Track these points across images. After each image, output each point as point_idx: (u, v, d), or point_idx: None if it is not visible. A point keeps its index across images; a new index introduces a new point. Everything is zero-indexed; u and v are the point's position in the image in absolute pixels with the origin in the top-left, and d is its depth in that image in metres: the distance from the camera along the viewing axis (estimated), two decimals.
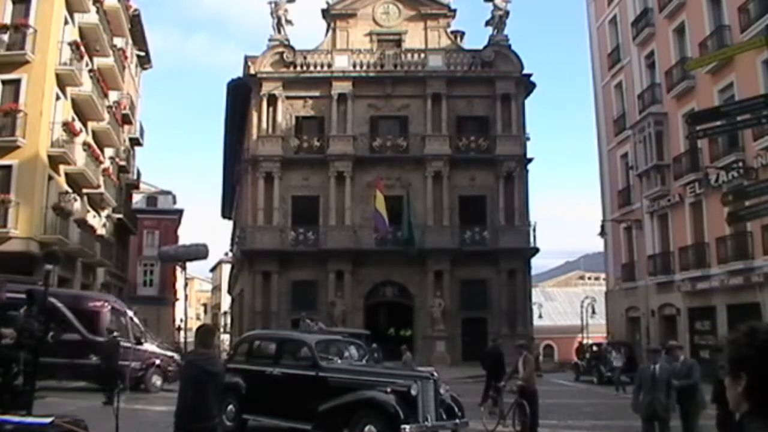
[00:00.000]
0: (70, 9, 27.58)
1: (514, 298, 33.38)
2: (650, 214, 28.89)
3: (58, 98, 26.75)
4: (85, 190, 30.92)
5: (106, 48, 31.30)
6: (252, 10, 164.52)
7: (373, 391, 10.06)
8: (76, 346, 18.71)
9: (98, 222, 34.00)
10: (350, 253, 33.00)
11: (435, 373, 10.87)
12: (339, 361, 11.50)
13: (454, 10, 37.45)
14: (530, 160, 35.39)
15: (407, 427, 9.46)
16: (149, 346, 21.18)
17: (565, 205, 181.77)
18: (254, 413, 11.50)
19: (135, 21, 38.56)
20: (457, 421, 10.57)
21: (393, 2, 36.77)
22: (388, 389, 9.95)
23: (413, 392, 9.87)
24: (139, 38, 41.25)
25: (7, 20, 25.39)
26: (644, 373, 9.62)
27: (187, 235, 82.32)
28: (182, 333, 25.18)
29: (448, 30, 37.22)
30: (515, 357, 13.54)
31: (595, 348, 30.42)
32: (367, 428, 9.69)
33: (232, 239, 48.23)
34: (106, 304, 21.18)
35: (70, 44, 26.70)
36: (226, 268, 65.61)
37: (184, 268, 18.36)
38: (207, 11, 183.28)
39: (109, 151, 35.37)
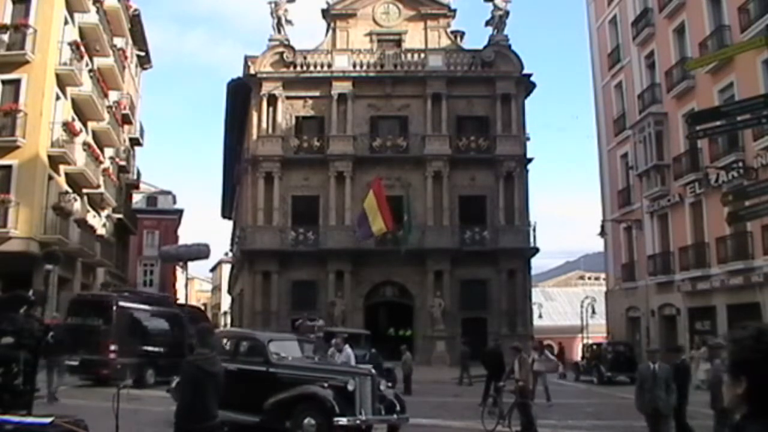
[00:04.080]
0: (70, 9, 27.58)
1: (514, 298, 33.37)
2: (650, 214, 28.88)
3: (58, 98, 26.74)
4: (85, 190, 30.92)
5: (106, 48, 31.30)
6: (249, 6, 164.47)
7: (314, 386, 10.70)
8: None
9: (98, 222, 33.99)
10: (350, 253, 32.99)
11: (373, 371, 11.61)
12: (290, 358, 11.91)
13: (454, 10, 37.46)
14: (530, 160, 35.40)
15: (341, 419, 10.10)
16: None
17: (565, 205, 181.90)
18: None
19: (135, 21, 38.55)
20: (395, 416, 11.15)
21: (393, 2, 36.76)
22: (326, 384, 10.60)
23: (350, 388, 10.52)
24: (139, 38, 41.24)
25: (7, 20, 25.39)
26: (644, 371, 9.74)
27: (187, 235, 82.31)
28: None
29: (448, 30, 37.21)
30: (512, 358, 13.65)
31: (594, 348, 30.44)
32: (306, 421, 10.28)
33: (232, 239, 48.24)
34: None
35: (70, 44, 26.69)
36: (226, 268, 65.60)
37: (185, 268, 18.54)
38: (204, 7, 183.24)
39: (109, 151, 35.37)
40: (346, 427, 10.31)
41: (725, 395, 2.11)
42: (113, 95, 34.93)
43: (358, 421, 10.37)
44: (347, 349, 15.21)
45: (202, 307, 55.41)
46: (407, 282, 33.78)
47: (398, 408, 11.29)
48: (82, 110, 29.55)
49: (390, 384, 12.70)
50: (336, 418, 10.08)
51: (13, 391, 6.23)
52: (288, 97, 34.97)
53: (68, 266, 27.65)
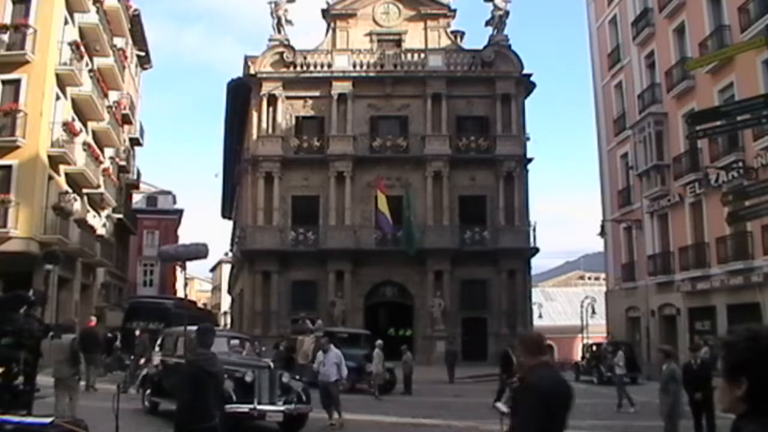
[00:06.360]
0: (70, 9, 27.56)
1: (514, 298, 33.36)
2: (650, 214, 28.86)
3: (58, 98, 26.72)
4: (85, 190, 30.90)
5: (106, 48, 31.28)
6: (247, 2, 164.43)
7: None
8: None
9: (98, 222, 33.98)
10: (350, 253, 32.99)
11: (272, 364, 12.70)
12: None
13: (454, 10, 37.47)
14: (530, 160, 35.42)
15: (233, 407, 11.01)
16: None
17: (565, 205, 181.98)
18: (158, 396, 13.49)
19: (135, 21, 38.54)
20: (292, 406, 12.00)
21: (393, 2, 36.77)
22: (225, 375, 11.21)
23: (247, 379, 11.56)
24: (138, 38, 41.24)
25: (7, 20, 25.35)
26: (676, 372, 9.78)
27: (187, 235, 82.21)
28: None
29: (448, 30, 37.22)
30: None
31: (594, 348, 30.42)
32: None
33: (232, 239, 48.26)
34: None
35: (70, 44, 26.66)
36: (226, 268, 65.62)
37: (184, 268, 18.58)
38: (202, 4, 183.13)
39: (109, 151, 35.36)
40: (242, 413, 11.28)
41: (724, 397, 2.10)
42: (113, 95, 34.91)
43: (248, 408, 11.30)
44: (333, 348, 15.17)
45: (202, 307, 55.35)
46: (407, 282, 33.78)
47: (304, 399, 12.29)
48: (82, 110, 29.54)
49: (298, 377, 13.50)
50: (228, 405, 10.90)
51: (13, 391, 6.23)
52: (288, 97, 34.98)
53: (68, 266, 27.62)
